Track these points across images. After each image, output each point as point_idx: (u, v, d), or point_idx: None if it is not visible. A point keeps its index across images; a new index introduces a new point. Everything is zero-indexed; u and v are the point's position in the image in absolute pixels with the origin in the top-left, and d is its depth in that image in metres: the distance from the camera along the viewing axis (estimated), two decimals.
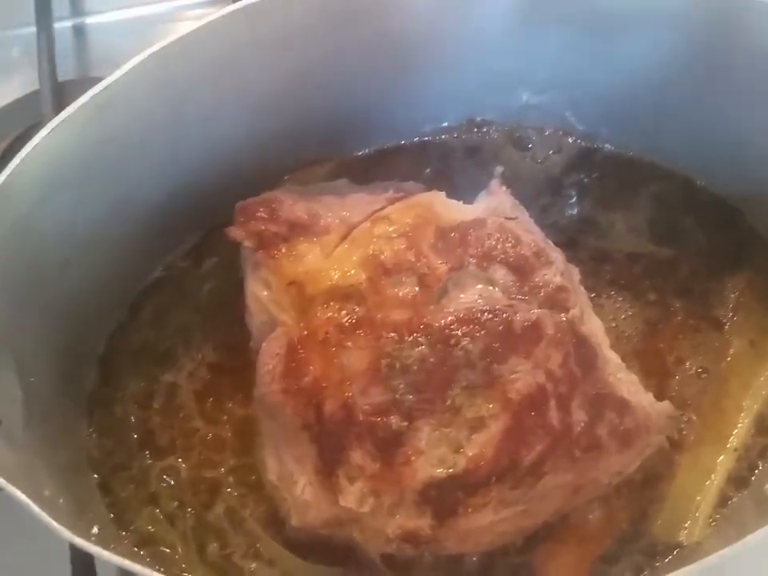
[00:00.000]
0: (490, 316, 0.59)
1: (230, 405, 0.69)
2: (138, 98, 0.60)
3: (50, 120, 0.84)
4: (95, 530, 0.57)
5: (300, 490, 0.60)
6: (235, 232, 0.65)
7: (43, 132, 0.55)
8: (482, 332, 0.58)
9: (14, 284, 0.59)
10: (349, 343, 0.59)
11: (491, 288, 0.60)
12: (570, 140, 0.79)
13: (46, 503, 0.48)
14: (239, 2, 0.60)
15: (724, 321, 0.71)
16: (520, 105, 0.78)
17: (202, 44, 0.60)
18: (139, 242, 0.70)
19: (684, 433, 0.67)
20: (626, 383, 0.60)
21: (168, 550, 0.64)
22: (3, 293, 0.58)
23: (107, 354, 0.71)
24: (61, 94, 0.91)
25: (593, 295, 0.69)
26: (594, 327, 0.62)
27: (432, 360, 0.58)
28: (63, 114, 0.56)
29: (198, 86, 0.63)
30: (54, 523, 0.47)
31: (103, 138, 0.59)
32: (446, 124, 0.80)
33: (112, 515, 0.65)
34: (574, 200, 0.77)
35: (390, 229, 0.63)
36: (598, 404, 0.59)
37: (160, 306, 0.73)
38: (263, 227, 0.64)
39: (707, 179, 0.75)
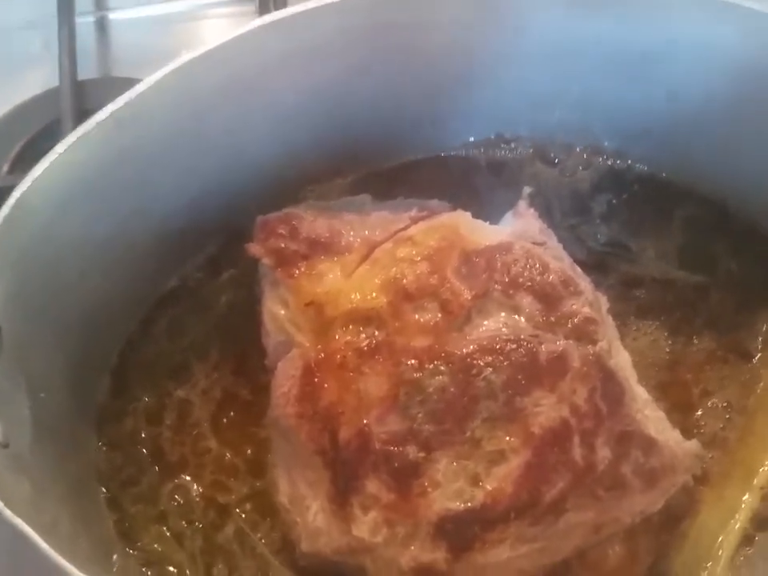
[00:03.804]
0: (514, 346, 0.57)
1: (245, 425, 0.67)
2: (159, 113, 0.59)
3: (69, 119, 0.85)
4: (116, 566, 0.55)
5: (312, 515, 0.59)
6: (255, 248, 0.64)
7: (60, 148, 0.54)
8: (506, 362, 0.56)
9: (29, 295, 0.59)
10: (367, 369, 0.57)
11: (516, 317, 0.59)
12: (601, 159, 0.77)
13: (51, 532, 0.47)
14: (265, 17, 0.60)
15: (753, 353, 0.69)
16: (550, 121, 0.76)
17: (226, 59, 0.59)
18: (155, 253, 0.69)
19: (708, 469, 0.65)
20: (653, 420, 0.59)
21: (175, 570, 0.63)
22: (18, 306, 0.57)
23: (119, 366, 0.70)
24: (80, 93, 0.90)
25: (619, 322, 0.67)
26: (622, 361, 0.60)
27: (452, 389, 0.56)
28: (81, 129, 0.55)
29: (222, 100, 0.62)
30: (59, 558, 0.45)
31: (122, 151, 0.59)
32: (472, 139, 0.78)
33: (118, 532, 0.64)
34: (602, 221, 0.75)
35: (414, 251, 0.61)
36: (623, 441, 0.57)
37: (175, 318, 0.72)
38: (283, 245, 0.63)
39: (741, 206, 0.73)
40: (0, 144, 0.90)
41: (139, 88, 0.56)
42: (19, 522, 0.46)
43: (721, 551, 0.63)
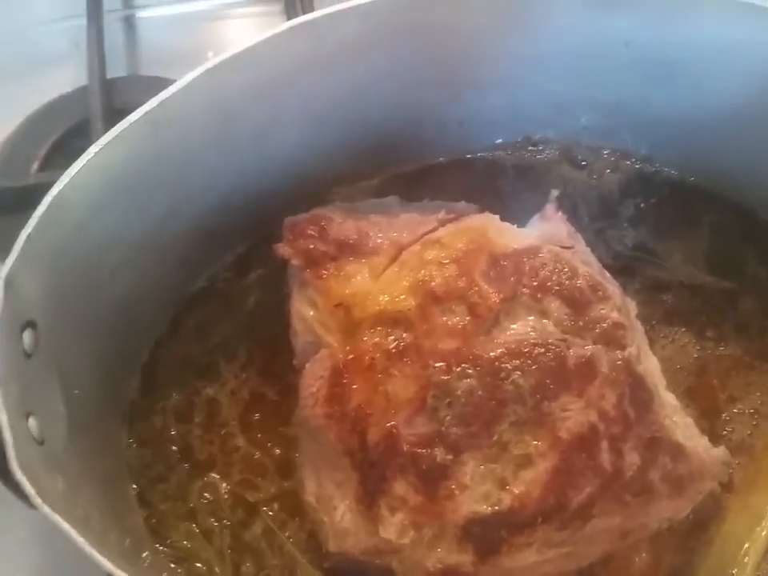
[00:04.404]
0: (542, 350, 0.57)
1: (273, 424, 0.68)
2: (190, 114, 0.59)
3: (98, 118, 0.86)
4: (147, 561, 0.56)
5: (339, 516, 0.59)
6: (284, 249, 0.64)
7: (94, 148, 0.55)
8: (534, 366, 0.57)
9: (64, 294, 0.59)
10: (395, 371, 0.58)
11: (544, 321, 0.59)
12: (629, 162, 0.77)
13: (85, 527, 0.48)
14: (294, 20, 0.59)
15: None
16: (578, 124, 0.76)
17: (257, 60, 0.59)
18: (185, 253, 0.69)
19: (734, 475, 0.65)
20: (682, 427, 0.59)
21: (203, 567, 0.64)
22: (53, 304, 0.58)
23: (149, 364, 0.70)
24: (109, 91, 0.91)
25: (647, 327, 0.67)
26: (651, 367, 0.60)
27: (480, 393, 0.56)
28: (115, 130, 0.55)
29: (251, 102, 0.62)
30: (97, 553, 0.46)
31: (156, 152, 0.59)
32: (499, 141, 0.78)
33: (149, 529, 0.64)
34: (630, 225, 0.75)
35: (442, 254, 0.61)
36: (651, 448, 0.57)
37: (204, 318, 0.72)
38: (312, 246, 0.63)
39: None
40: (30, 142, 0.91)
41: (173, 88, 0.57)
42: (57, 517, 0.46)
43: (746, 558, 0.63)
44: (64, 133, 0.91)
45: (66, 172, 0.55)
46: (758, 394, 0.68)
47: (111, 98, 0.90)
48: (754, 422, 0.67)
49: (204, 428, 0.68)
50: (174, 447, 0.68)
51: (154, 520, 0.65)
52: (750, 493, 0.64)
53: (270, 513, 0.65)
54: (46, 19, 1.03)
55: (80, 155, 0.56)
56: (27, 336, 0.54)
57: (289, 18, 0.62)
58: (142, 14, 1.04)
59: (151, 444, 0.68)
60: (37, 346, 0.55)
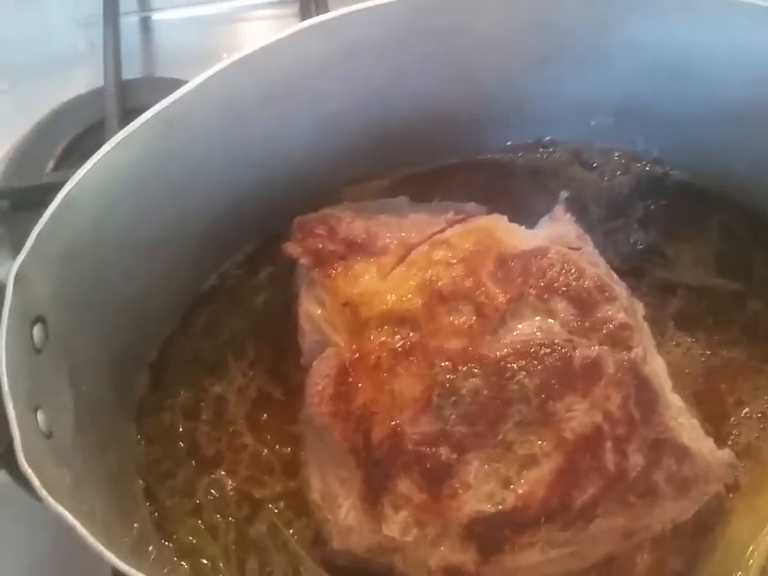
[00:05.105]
0: (548, 350, 0.57)
1: (280, 423, 0.68)
2: (204, 114, 0.59)
3: (113, 119, 0.87)
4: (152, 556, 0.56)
5: (343, 514, 0.59)
6: (292, 248, 0.64)
7: (107, 147, 0.55)
8: (539, 366, 0.57)
9: (74, 291, 0.60)
10: (401, 370, 0.58)
11: (551, 321, 0.59)
12: (639, 164, 0.77)
13: (90, 521, 0.49)
14: (307, 21, 0.60)
15: None
16: (589, 127, 0.76)
17: (269, 61, 0.60)
18: (196, 252, 0.70)
19: (740, 478, 0.64)
20: (687, 428, 0.58)
21: (208, 563, 0.64)
22: (63, 300, 0.58)
23: (158, 361, 0.71)
24: (125, 92, 0.91)
25: (654, 329, 0.67)
26: (657, 368, 0.60)
27: (485, 392, 0.56)
28: (128, 129, 0.56)
29: (263, 102, 0.62)
30: (101, 546, 0.47)
31: (168, 151, 0.59)
32: (510, 143, 0.78)
33: (154, 524, 0.65)
34: (639, 226, 0.75)
35: (449, 254, 0.61)
36: (656, 449, 0.57)
37: (213, 316, 0.73)
38: (321, 245, 0.64)
39: None
40: (45, 142, 0.92)
41: (185, 88, 0.57)
42: (62, 510, 0.47)
43: (751, 561, 0.62)
44: (79, 133, 0.92)
45: (77, 171, 0.56)
46: (766, 397, 0.67)
47: (126, 99, 0.91)
48: (762, 426, 0.66)
49: (211, 425, 0.69)
50: (181, 444, 0.68)
51: (160, 515, 0.65)
52: (756, 495, 0.64)
53: (276, 510, 0.65)
54: (63, 21, 1.04)
55: None
56: (37, 331, 0.55)
57: (303, 20, 0.62)
58: (157, 16, 1.05)
59: (159, 440, 0.68)
60: (46, 341, 0.56)
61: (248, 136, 0.64)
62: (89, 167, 0.55)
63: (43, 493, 0.48)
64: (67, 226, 0.57)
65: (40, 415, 0.53)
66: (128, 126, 0.55)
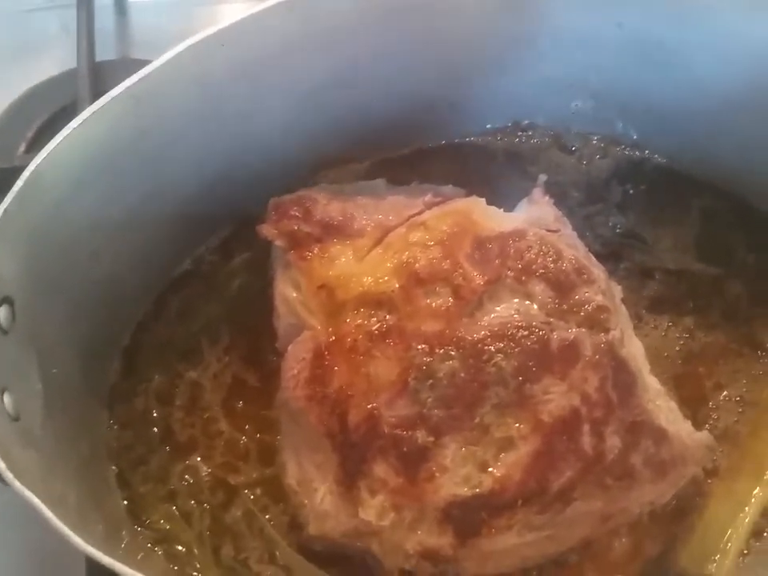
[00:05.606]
0: (526, 333, 0.57)
1: (255, 408, 0.67)
2: (174, 91, 0.58)
3: (86, 100, 0.85)
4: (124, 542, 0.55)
5: (319, 498, 0.59)
6: (267, 230, 0.63)
7: (75, 123, 0.54)
8: (517, 349, 0.56)
9: (42, 272, 0.59)
10: (377, 352, 0.57)
11: (528, 303, 0.58)
12: (619, 149, 0.77)
13: (60, 506, 0.48)
14: None
15: (767, 347, 0.69)
16: (569, 110, 0.75)
17: (242, 37, 0.59)
18: (169, 235, 0.69)
19: (719, 462, 0.64)
20: (665, 411, 0.58)
21: (183, 549, 0.63)
22: (31, 281, 0.57)
23: (131, 346, 0.70)
24: (98, 74, 0.90)
25: (632, 312, 0.67)
26: (635, 350, 0.60)
27: (462, 375, 0.56)
28: (96, 105, 0.55)
29: (236, 80, 0.61)
30: (68, 530, 0.46)
31: (137, 129, 0.58)
32: (489, 126, 0.78)
33: (127, 510, 0.64)
34: (618, 210, 0.75)
35: (427, 236, 0.61)
36: (633, 431, 0.56)
37: (187, 300, 0.72)
38: (296, 227, 0.63)
39: (759, 199, 0.73)
40: (17, 124, 0.91)
41: (155, 64, 0.56)
42: (29, 494, 0.46)
43: (729, 544, 0.62)
44: (52, 115, 0.91)
45: (44, 147, 0.55)
46: (745, 381, 0.67)
47: (100, 80, 0.89)
48: (740, 409, 0.66)
49: (186, 411, 0.68)
50: (155, 429, 0.67)
51: (133, 502, 0.64)
52: (734, 480, 0.64)
53: (252, 496, 0.65)
54: (36, 2, 1.02)
55: None
56: (3, 311, 0.54)
57: None
58: None
59: (132, 426, 0.67)
60: (13, 322, 0.55)
61: (221, 114, 0.63)
62: (56, 144, 0.54)
63: (9, 475, 0.47)
64: (34, 204, 0.56)
65: (6, 397, 0.52)
66: (96, 102, 0.54)
